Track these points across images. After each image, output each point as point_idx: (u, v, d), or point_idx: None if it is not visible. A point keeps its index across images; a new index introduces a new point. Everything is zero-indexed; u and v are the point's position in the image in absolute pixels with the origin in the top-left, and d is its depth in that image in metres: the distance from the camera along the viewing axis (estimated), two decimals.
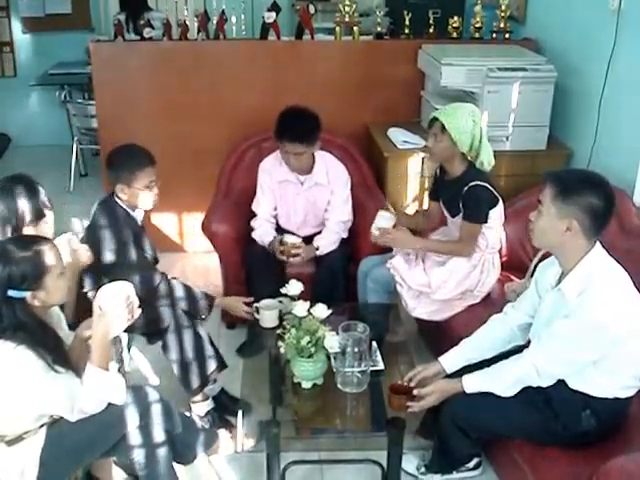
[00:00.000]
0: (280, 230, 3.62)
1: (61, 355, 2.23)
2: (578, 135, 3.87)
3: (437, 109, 3.84)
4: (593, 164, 3.62)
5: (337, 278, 3.43)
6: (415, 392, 2.52)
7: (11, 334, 2.10)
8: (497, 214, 3.15)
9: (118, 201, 2.94)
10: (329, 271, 3.44)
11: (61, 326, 2.39)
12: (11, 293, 2.11)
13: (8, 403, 2.13)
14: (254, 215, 3.67)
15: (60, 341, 2.28)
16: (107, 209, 2.92)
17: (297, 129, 3.35)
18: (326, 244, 3.50)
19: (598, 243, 2.33)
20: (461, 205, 3.09)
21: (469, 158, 3.11)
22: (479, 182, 3.04)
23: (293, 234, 3.51)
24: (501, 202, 3.15)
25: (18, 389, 2.11)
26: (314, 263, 3.53)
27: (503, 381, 2.40)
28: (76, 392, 2.17)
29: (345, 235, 3.59)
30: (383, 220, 3.20)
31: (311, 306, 2.65)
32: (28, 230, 2.52)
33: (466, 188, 3.05)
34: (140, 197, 2.91)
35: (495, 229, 3.17)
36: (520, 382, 2.38)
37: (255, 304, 2.98)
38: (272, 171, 3.57)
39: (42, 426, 2.23)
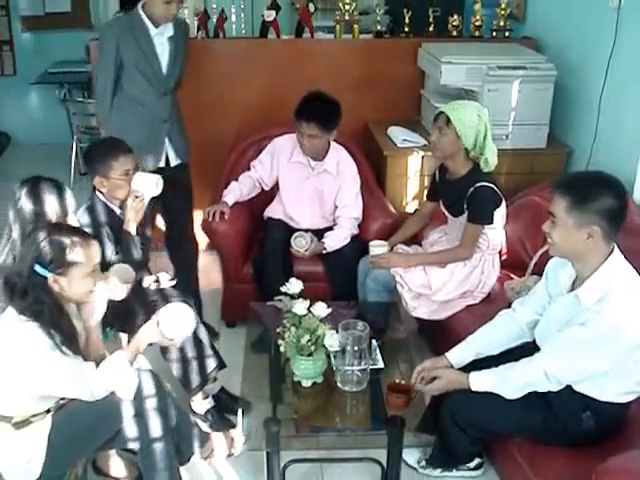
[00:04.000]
0: (287, 226, 3.64)
1: (72, 340, 2.26)
2: (578, 133, 3.87)
3: (437, 107, 3.84)
4: (593, 163, 3.62)
5: (351, 274, 3.44)
6: (418, 387, 2.53)
7: (29, 307, 2.16)
8: (501, 215, 3.15)
9: (99, 196, 2.90)
10: (345, 267, 3.46)
11: (78, 319, 2.42)
12: (37, 268, 2.18)
13: (13, 379, 2.15)
14: (257, 213, 3.72)
15: (73, 328, 2.31)
16: (87, 208, 2.91)
17: (316, 111, 3.41)
18: (334, 241, 3.52)
19: (616, 248, 2.29)
20: (466, 206, 3.09)
21: (472, 156, 3.11)
22: (485, 183, 3.04)
23: (299, 230, 3.56)
24: (504, 202, 3.16)
25: (22, 365, 2.13)
26: (326, 260, 3.54)
27: (511, 384, 2.38)
28: (84, 374, 2.21)
29: (356, 231, 3.61)
30: (375, 249, 3.25)
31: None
32: None
33: (472, 189, 3.04)
34: (119, 188, 2.87)
35: (498, 230, 3.17)
36: (528, 386, 2.36)
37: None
38: (284, 150, 3.62)
39: (49, 411, 2.25)
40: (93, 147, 3.04)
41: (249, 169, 3.76)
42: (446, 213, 3.28)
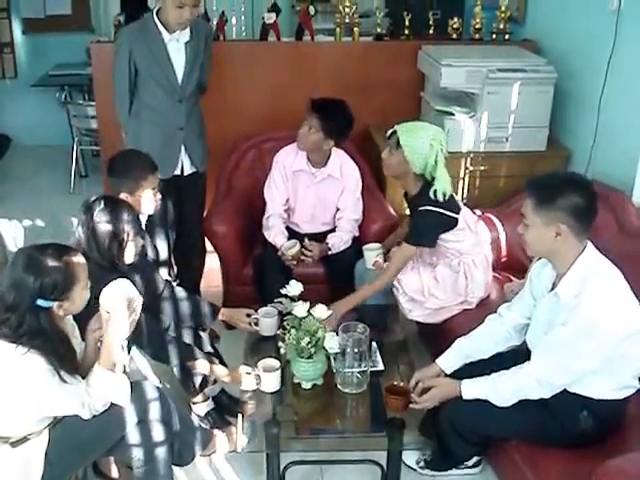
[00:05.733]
0: (287, 228, 3.64)
1: (72, 366, 2.24)
2: (577, 136, 3.87)
3: (437, 110, 3.86)
4: (592, 165, 3.62)
5: (351, 276, 3.45)
6: (413, 398, 2.53)
7: (27, 341, 2.11)
8: (461, 228, 3.07)
9: None
10: (344, 269, 3.46)
11: (74, 334, 2.40)
12: (40, 303, 2.12)
13: (14, 407, 2.14)
14: (257, 215, 3.70)
15: (74, 352, 2.30)
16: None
17: (327, 107, 3.40)
18: (338, 242, 3.53)
19: (590, 243, 2.33)
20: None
21: (427, 178, 3.02)
22: (429, 207, 2.96)
23: (299, 236, 3.56)
24: (465, 213, 3.09)
25: (24, 394, 2.11)
26: (326, 263, 3.55)
27: (502, 392, 2.39)
28: (83, 394, 2.19)
29: (357, 233, 3.62)
30: (370, 253, 3.25)
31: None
32: (130, 245, 2.63)
33: (415, 212, 3.02)
34: (143, 204, 2.91)
35: (465, 241, 3.11)
36: (519, 394, 2.37)
37: (254, 315, 2.99)
38: (287, 161, 3.59)
39: (46, 427, 2.24)
40: (120, 162, 2.97)
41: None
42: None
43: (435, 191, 2.96)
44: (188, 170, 3.59)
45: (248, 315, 3.01)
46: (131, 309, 2.26)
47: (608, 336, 2.22)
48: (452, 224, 3.03)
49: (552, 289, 2.38)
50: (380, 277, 3.12)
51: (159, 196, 2.98)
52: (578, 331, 2.23)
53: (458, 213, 3.04)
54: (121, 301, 2.23)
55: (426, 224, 3.02)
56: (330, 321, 2.79)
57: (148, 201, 2.92)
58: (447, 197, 2.99)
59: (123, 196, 2.86)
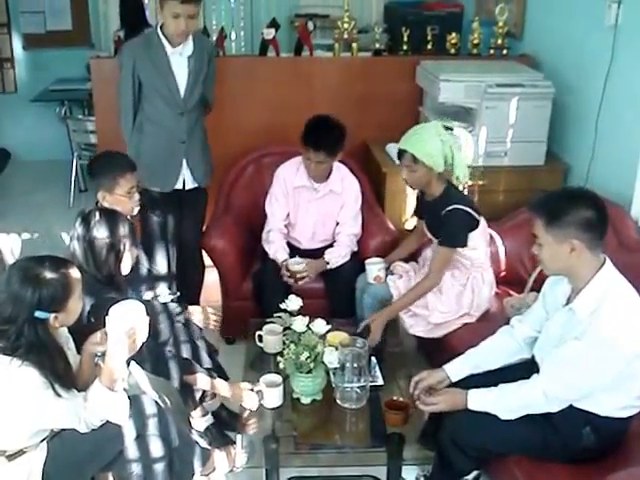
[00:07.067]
0: (287, 243, 3.63)
1: (68, 379, 2.24)
2: (576, 150, 3.89)
3: None
4: (590, 179, 3.63)
5: (350, 291, 3.44)
6: (420, 405, 2.53)
7: (22, 353, 2.12)
8: (479, 234, 3.12)
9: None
10: (344, 284, 3.46)
11: (69, 346, 2.40)
12: (38, 314, 2.13)
13: (8, 420, 2.13)
14: (256, 229, 3.70)
15: (69, 365, 2.30)
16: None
17: (324, 139, 3.39)
18: (337, 257, 3.53)
19: (608, 260, 2.32)
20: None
21: (446, 176, 3.08)
22: (458, 205, 3.02)
23: (298, 251, 3.56)
24: (483, 221, 3.14)
25: (18, 407, 2.11)
26: (326, 277, 3.54)
27: (508, 405, 2.38)
28: (79, 408, 2.19)
29: (355, 248, 3.61)
30: (372, 267, 3.26)
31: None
32: (127, 255, 2.63)
33: (444, 212, 3.03)
34: (121, 203, 2.89)
35: (479, 249, 3.14)
36: (525, 408, 2.36)
37: (259, 332, 2.97)
38: (288, 177, 3.59)
39: (43, 440, 2.24)
40: (99, 161, 3.04)
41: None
42: (428, 234, 3.25)
43: (457, 177, 3.05)
44: (190, 185, 3.59)
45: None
46: (141, 332, 2.26)
47: (622, 354, 2.21)
48: (475, 225, 3.08)
49: (567, 304, 2.37)
50: (421, 283, 3.12)
51: (137, 196, 2.96)
52: (592, 347, 2.21)
53: (480, 215, 3.10)
54: (132, 324, 2.23)
55: (457, 224, 3.05)
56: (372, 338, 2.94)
57: (127, 201, 2.90)
58: (468, 179, 3.11)
59: (101, 195, 2.87)
